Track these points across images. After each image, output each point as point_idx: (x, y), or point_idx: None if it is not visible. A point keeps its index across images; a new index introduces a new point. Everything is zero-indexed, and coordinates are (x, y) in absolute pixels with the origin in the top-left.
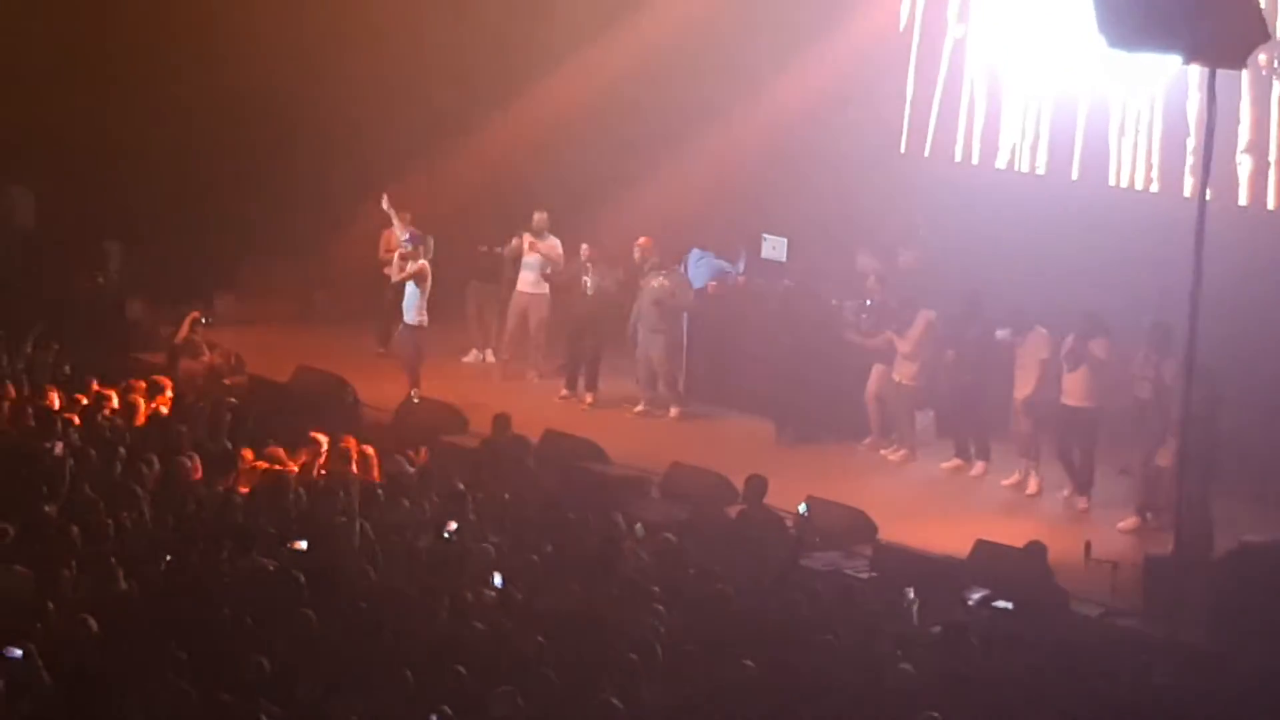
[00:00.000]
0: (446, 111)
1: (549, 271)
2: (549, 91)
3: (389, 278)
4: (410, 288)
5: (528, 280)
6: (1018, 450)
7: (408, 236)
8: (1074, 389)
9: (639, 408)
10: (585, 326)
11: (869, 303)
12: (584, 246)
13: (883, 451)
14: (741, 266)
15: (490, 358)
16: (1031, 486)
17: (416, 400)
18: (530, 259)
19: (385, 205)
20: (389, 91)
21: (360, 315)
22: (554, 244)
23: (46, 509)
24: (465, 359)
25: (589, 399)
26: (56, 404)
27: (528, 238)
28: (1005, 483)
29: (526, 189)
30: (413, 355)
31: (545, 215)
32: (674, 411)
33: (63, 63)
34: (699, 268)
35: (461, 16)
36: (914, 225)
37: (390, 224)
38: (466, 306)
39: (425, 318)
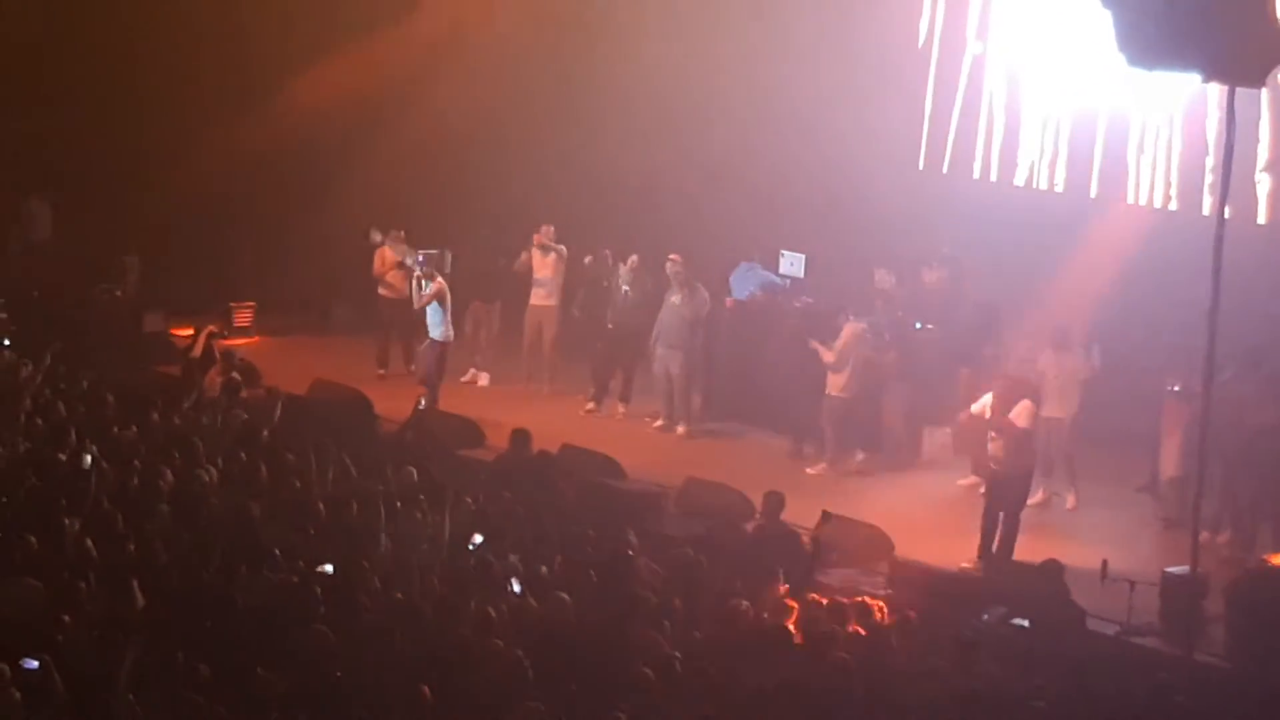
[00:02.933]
0: (454, 125)
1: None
2: (565, 107)
3: (384, 298)
4: (431, 306)
5: (540, 294)
6: (1039, 470)
7: (420, 259)
8: (1000, 452)
9: (658, 423)
10: (623, 337)
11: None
12: (632, 257)
13: (808, 469)
14: (789, 280)
15: (482, 380)
16: (1070, 502)
17: (422, 406)
18: (542, 274)
19: (376, 239)
20: (402, 104)
21: (377, 329)
22: (561, 255)
23: (66, 521)
24: (463, 379)
25: (621, 409)
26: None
27: (536, 252)
28: (1031, 501)
29: (540, 203)
30: (434, 371)
31: (552, 229)
32: (681, 429)
33: (84, 75)
34: (746, 280)
35: (484, 31)
36: (939, 243)
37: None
38: (464, 326)
39: (451, 332)
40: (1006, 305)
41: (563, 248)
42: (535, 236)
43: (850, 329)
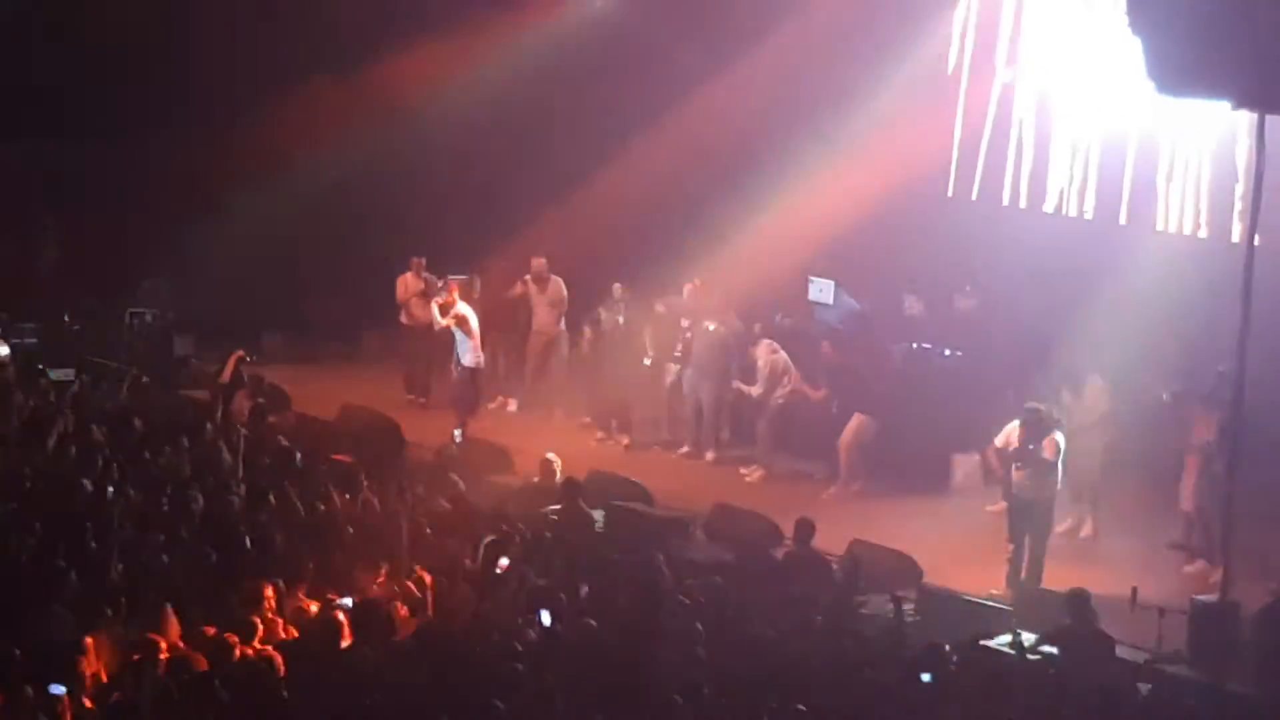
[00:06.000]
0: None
1: (558, 312)
2: (592, 137)
3: (406, 326)
4: (457, 333)
5: (541, 321)
6: (1070, 497)
7: (440, 283)
8: (1025, 482)
9: (684, 449)
10: (614, 367)
11: (915, 346)
12: (615, 286)
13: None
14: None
15: (511, 406)
16: (1086, 530)
17: (459, 442)
18: (539, 307)
19: (420, 270)
20: (432, 137)
21: (403, 356)
22: (558, 284)
23: (92, 545)
24: (491, 405)
25: (625, 441)
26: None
27: (530, 282)
28: (1059, 529)
29: (546, 233)
30: (469, 397)
31: (543, 261)
32: (710, 456)
33: (123, 97)
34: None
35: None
36: (972, 270)
37: (408, 270)
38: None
39: (481, 358)
40: (1034, 333)
41: (559, 279)
42: (535, 263)
43: (758, 348)
